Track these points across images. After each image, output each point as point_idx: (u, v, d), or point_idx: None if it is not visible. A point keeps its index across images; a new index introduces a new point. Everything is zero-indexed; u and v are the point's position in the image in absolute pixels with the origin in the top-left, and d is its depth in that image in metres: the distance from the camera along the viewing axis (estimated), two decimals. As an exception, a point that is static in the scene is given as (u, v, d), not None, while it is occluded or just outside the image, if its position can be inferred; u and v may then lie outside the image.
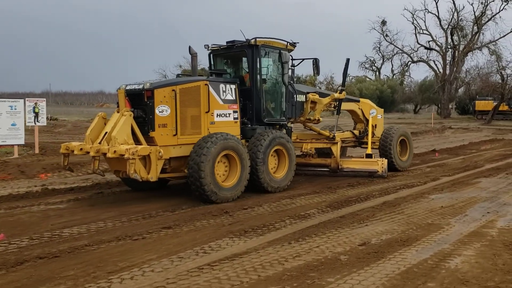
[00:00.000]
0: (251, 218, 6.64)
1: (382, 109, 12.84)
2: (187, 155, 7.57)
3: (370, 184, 9.58)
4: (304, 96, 10.33)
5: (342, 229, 6.03)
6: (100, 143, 7.25)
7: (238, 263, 4.71)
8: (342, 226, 6.20)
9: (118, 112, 7.59)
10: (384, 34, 54.01)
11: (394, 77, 61.84)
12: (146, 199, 7.95)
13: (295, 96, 9.94)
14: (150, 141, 7.44)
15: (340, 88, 11.25)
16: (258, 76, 8.84)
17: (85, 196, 8.20)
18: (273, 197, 8.14)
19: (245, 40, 8.86)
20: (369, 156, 10.91)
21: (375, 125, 12.04)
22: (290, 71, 9.50)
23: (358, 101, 12.20)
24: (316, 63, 9.95)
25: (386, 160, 10.59)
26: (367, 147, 11.36)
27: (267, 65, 9.27)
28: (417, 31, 49.71)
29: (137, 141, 7.35)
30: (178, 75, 9.86)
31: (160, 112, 7.41)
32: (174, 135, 7.60)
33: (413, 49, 51.38)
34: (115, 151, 6.84)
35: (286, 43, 9.43)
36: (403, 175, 10.74)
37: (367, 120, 11.96)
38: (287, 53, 9.25)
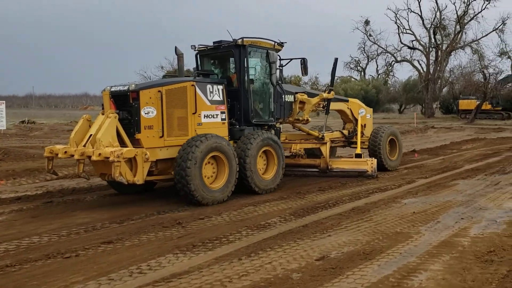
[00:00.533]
0: (205, 229, 6.07)
1: (371, 109, 12.73)
2: (174, 157, 7.41)
3: (342, 188, 9.07)
4: (293, 96, 10.21)
5: (302, 241, 5.49)
6: (84, 145, 7.09)
7: (174, 286, 4.13)
8: (303, 237, 5.66)
9: (103, 114, 7.43)
10: (368, 34, 53.64)
11: (379, 77, 61.73)
12: (98, 208, 7.33)
13: (283, 96, 9.78)
14: (136, 143, 7.29)
15: (328, 88, 11.11)
16: (246, 77, 8.72)
17: (31, 206, 7.54)
18: (236, 204, 7.58)
19: (232, 40, 8.73)
20: (358, 156, 10.77)
21: (364, 124, 11.94)
22: (278, 71, 9.35)
23: (347, 101, 12.09)
24: (304, 63, 9.84)
25: (376, 160, 10.45)
26: (356, 147, 11.21)
27: (255, 65, 9.17)
28: (400, 31, 49.46)
29: (122, 144, 7.18)
30: (164, 76, 9.99)
31: (146, 113, 7.28)
32: (161, 136, 7.47)
33: (397, 49, 51.21)
34: (99, 154, 6.70)
35: (273, 42, 9.28)
36: (378, 177, 10.26)
37: (356, 120, 11.87)
38: (274, 53, 9.05)
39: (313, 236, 5.70)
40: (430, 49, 48.35)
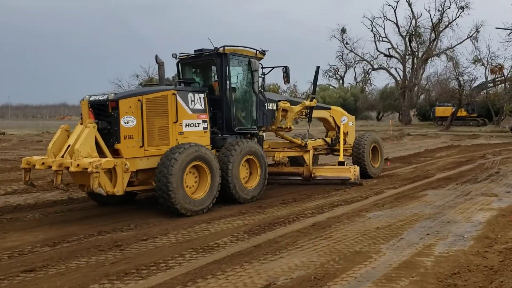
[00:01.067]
0: (145, 253, 5.46)
1: (353, 116, 12.77)
2: (155, 167, 7.28)
3: (306, 201, 8.57)
4: (275, 104, 10.16)
5: (250, 265, 4.93)
6: (62, 156, 6.90)
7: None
8: (252, 259, 5.11)
9: (81, 124, 7.27)
10: (345, 42, 53.53)
11: (357, 85, 61.83)
12: (35, 229, 6.64)
13: (266, 104, 9.70)
14: (116, 153, 7.12)
15: (311, 95, 11.13)
16: (228, 85, 8.65)
17: (-40, 227, 6.82)
18: (188, 221, 6.98)
19: (213, 48, 8.66)
20: (341, 163, 10.76)
21: (347, 132, 11.96)
22: (260, 79, 9.34)
23: (329, 109, 12.09)
24: (286, 71, 9.82)
25: (358, 167, 10.48)
26: (339, 155, 11.17)
27: (237, 74, 9.08)
28: (376, 39, 49.63)
29: (101, 154, 7.01)
30: (145, 85, 10.21)
31: (125, 123, 7.13)
32: (141, 146, 7.32)
33: (373, 57, 51.28)
34: (78, 165, 6.54)
35: (255, 51, 9.22)
36: (345, 189, 9.80)
37: (339, 128, 11.87)
38: (256, 61, 9.00)
39: (263, 258, 5.16)
40: (407, 57, 48.66)
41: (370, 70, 54.00)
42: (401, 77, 49.28)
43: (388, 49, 49.74)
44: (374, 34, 49.41)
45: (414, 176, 11.53)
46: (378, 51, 50.39)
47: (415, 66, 47.22)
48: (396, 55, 49.32)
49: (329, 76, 62.99)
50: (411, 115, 52.57)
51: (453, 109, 39.20)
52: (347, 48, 53.92)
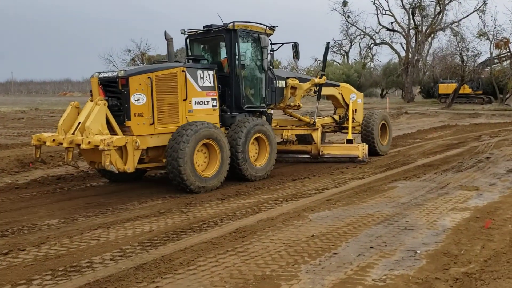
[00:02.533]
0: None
1: (362, 94, 12.43)
2: (165, 144, 7.30)
3: (249, 195, 7.21)
4: (284, 81, 9.98)
5: (106, 299, 3.62)
6: (73, 133, 6.89)
7: None
8: (117, 289, 3.79)
9: (91, 101, 7.18)
10: (346, 16, 50.99)
11: (362, 60, 59.33)
12: None
13: (274, 81, 9.56)
14: (126, 131, 7.09)
15: (320, 72, 10.80)
16: (237, 62, 8.47)
17: None
18: (83, 226, 5.66)
19: (222, 24, 8.42)
20: (349, 141, 10.57)
21: (355, 110, 11.68)
22: (269, 55, 9.06)
23: (338, 86, 11.84)
24: (295, 47, 9.54)
25: (367, 146, 10.36)
26: (347, 132, 11.00)
27: (246, 50, 8.89)
28: (379, 12, 47.35)
29: (112, 131, 6.96)
30: (153, 61, 9.53)
31: (135, 100, 7.08)
32: (151, 124, 7.27)
33: (375, 31, 48.91)
34: (89, 142, 6.50)
35: (265, 27, 9.02)
36: (304, 179, 8.43)
37: (347, 105, 11.60)
38: (266, 38, 8.88)
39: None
40: (411, 31, 46.23)
41: (372, 45, 51.62)
42: (405, 53, 47.02)
43: (392, 23, 47.47)
44: (377, 7, 47.18)
45: (392, 163, 10.11)
46: (381, 25, 48.14)
47: (418, 41, 44.83)
48: (399, 29, 47.07)
49: (334, 52, 60.62)
50: (415, 92, 50.49)
51: (457, 86, 37.17)
52: (348, 22, 51.55)
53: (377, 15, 47.54)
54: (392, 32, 47.76)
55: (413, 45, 45.77)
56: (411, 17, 45.37)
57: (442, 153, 11.32)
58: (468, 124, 20.28)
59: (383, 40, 49.09)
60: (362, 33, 51.12)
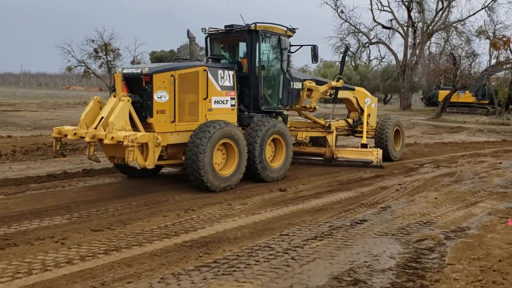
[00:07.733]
0: None
1: (376, 98, 12.45)
2: (184, 142, 7.50)
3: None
4: (301, 83, 10.15)
5: None
6: (96, 128, 6.99)
7: None
8: None
9: (114, 96, 7.32)
10: (339, 10, 41.21)
11: (371, 63, 52.46)
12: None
13: (291, 83, 9.73)
14: (148, 127, 7.25)
15: (337, 76, 10.99)
16: (257, 63, 8.65)
17: None
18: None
19: (244, 25, 8.60)
20: (364, 146, 10.65)
21: (369, 114, 11.68)
22: (288, 57, 9.32)
23: (353, 89, 11.93)
24: (314, 50, 9.63)
25: (381, 151, 10.43)
26: (360, 136, 11.17)
27: (266, 51, 9.06)
28: (374, 7, 40.92)
29: (134, 127, 7.12)
30: (175, 59, 9.55)
31: (158, 98, 7.21)
32: (172, 121, 7.43)
33: (368, 28, 41.27)
34: (112, 138, 6.61)
35: (285, 28, 9.21)
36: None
37: (362, 109, 11.67)
38: (286, 39, 9.09)
39: None
40: (409, 30, 39.86)
41: (367, 43, 42.35)
42: (403, 54, 40.08)
43: (390, 20, 40.32)
44: (371, 1, 40.96)
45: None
46: (375, 21, 40.47)
47: (417, 40, 38.72)
48: (397, 27, 40.47)
49: (341, 53, 54.55)
50: (416, 99, 46.25)
51: (460, 93, 31.98)
52: (341, 17, 41.33)
53: (371, 10, 40.24)
54: (390, 31, 40.62)
55: (411, 45, 39.76)
56: (408, 12, 39.08)
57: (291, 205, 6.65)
58: (433, 142, 15.92)
59: (380, 39, 41.56)
60: (355, 30, 41.74)
